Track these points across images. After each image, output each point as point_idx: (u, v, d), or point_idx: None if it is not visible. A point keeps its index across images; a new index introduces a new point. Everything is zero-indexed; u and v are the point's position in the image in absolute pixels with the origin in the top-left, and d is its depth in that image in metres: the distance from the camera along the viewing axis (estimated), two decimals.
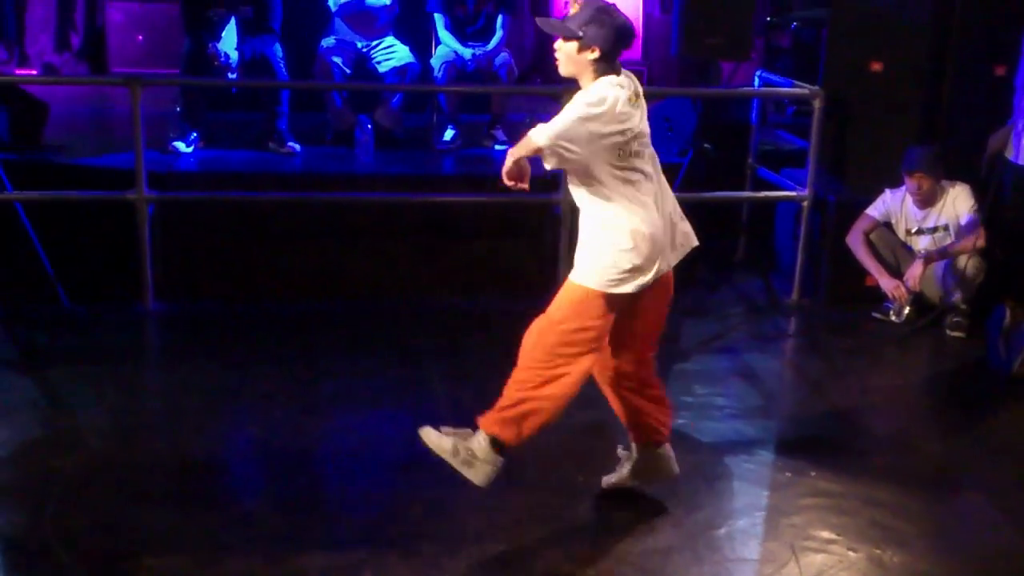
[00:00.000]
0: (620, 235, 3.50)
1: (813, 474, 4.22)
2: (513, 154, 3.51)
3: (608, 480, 3.98)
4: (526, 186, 3.56)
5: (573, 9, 3.56)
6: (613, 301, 3.53)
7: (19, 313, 5.62)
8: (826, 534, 3.79)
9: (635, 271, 3.51)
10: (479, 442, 3.58)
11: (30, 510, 3.76)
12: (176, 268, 6.00)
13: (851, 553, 3.68)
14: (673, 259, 3.72)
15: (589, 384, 5.04)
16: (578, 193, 3.62)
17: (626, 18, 3.50)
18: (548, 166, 3.48)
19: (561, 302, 3.58)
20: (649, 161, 3.62)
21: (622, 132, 3.44)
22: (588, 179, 3.53)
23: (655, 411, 3.83)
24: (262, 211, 6.11)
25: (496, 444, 3.57)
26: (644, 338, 3.75)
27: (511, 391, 3.59)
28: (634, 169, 3.52)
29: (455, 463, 3.59)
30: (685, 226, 3.77)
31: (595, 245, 3.55)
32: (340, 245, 6.15)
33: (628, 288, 3.52)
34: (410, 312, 5.90)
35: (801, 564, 3.59)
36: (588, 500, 3.94)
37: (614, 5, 3.53)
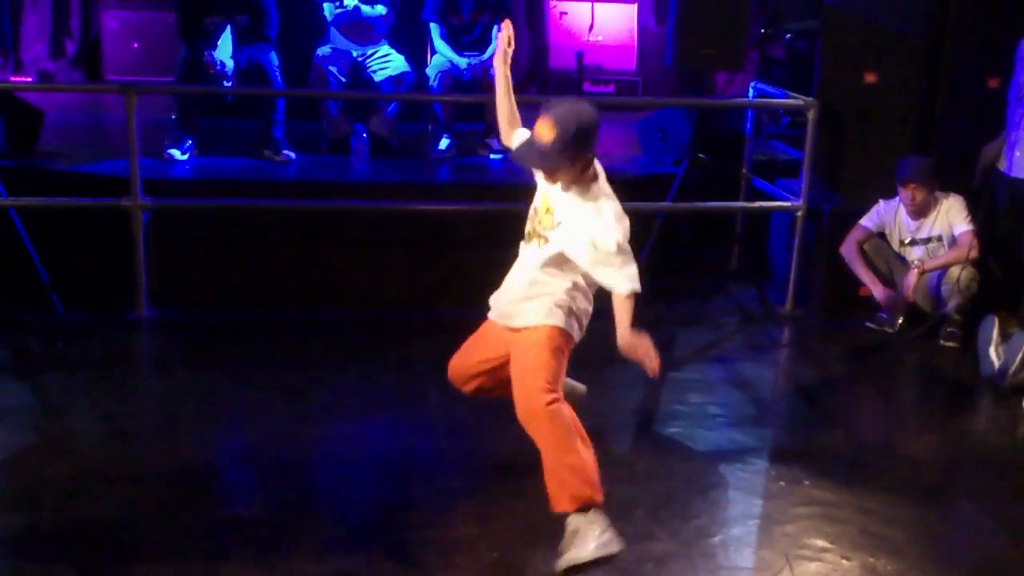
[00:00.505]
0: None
1: (807, 483, 4.23)
2: (633, 342, 3.61)
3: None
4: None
5: (547, 131, 3.48)
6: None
7: (13, 320, 5.60)
8: (820, 542, 3.79)
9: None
10: (579, 524, 3.53)
11: (24, 516, 3.75)
12: (171, 275, 6.00)
13: (844, 561, 3.68)
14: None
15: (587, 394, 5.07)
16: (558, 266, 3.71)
17: (591, 111, 3.55)
18: None
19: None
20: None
21: None
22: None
23: None
24: (257, 219, 6.11)
25: (584, 509, 3.54)
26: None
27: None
28: None
29: (598, 553, 3.51)
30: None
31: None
32: (335, 253, 6.16)
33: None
34: (404, 320, 5.90)
35: (795, 572, 3.60)
36: None
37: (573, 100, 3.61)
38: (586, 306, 3.78)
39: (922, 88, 6.22)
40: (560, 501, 3.57)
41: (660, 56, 7.76)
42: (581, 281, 3.72)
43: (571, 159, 3.51)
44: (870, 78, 6.25)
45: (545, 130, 3.48)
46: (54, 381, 4.98)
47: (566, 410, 3.63)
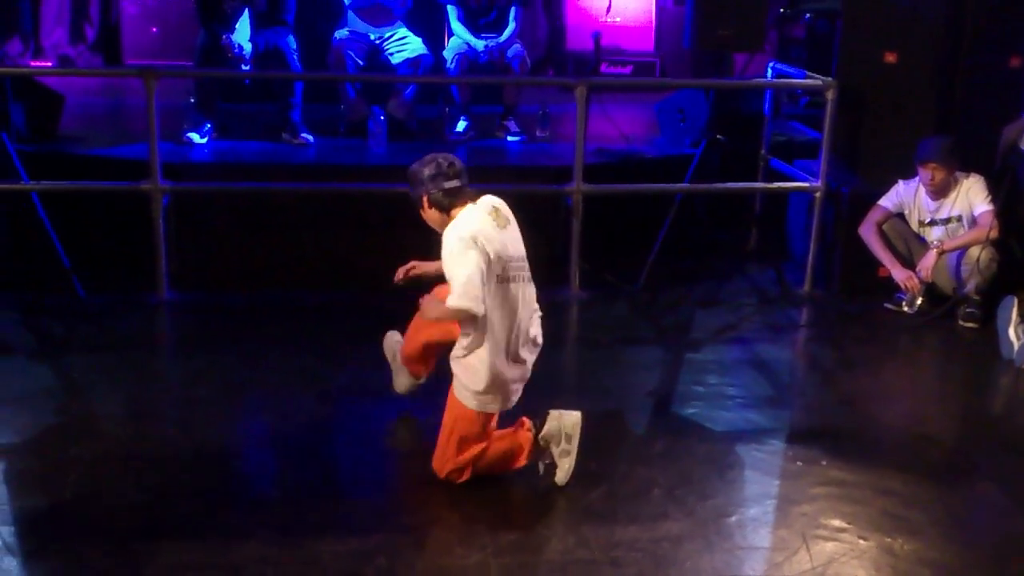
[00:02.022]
0: None
1: (824, 463, 4.23)
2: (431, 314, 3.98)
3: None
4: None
5: None
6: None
7: (36, 303, 5.65)
8: (837, 523, 3.80)
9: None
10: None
11: (47, 497, 3.80)
12: (190, 258, 6.04)
13: (862, 542, 3.69)
14: None
15: (603, 375, 5.09)
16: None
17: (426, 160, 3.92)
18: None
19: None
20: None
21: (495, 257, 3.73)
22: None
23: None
24: (275, 202, 6.13)
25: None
26: None
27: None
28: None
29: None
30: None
31: None
32: (353, 236, 6.18)
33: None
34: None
35: (812, 552, 3.61)
36: (600, 487, 3.95)
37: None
38: (503, 368, 3.82)
39: (942, 68, 6.17)
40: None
41: (678, 37, 7.76)
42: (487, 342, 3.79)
43: (417, 198, 3.92)
44: (890, 58, 6.21)
45: None
46: (76, 364, 5.02)
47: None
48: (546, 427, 3.92)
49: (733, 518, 3.82)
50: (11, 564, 3.40)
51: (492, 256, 3.69)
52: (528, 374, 3.92)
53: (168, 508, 3.77)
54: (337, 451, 4.37)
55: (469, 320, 3.74)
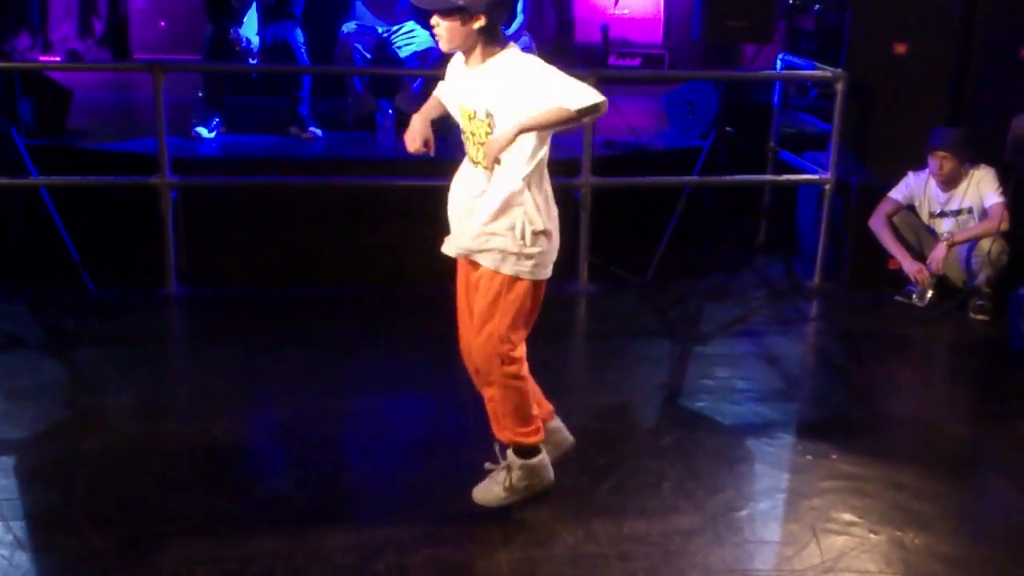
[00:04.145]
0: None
1: (834, 457, 4.22)
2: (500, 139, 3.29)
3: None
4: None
5: None
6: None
7: (45, 298, 5.67)
8: (847, 516, 3.79)
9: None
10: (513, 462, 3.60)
11: (59, 491, 3.81)
12: (199, 252, 6.04)
13: (872, 536, 3.68)
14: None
15: (611, 368, 5.09)
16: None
17: None
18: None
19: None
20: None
21: None
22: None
23: (533, 387, 3.72)
24: (284, 196, 6.13)
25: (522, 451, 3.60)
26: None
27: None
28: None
29: (521, 496, 3.63)
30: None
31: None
32: (362, 229, 6.18)
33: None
34: (432, 295, 5.90)
35: (822, 546, 3.60)
36: (609, 481, 3.95)
37: None
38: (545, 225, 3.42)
39: (953, 59, 6.14)
40: (501, 432, 3.61)
41: (687, 28, 7.71)
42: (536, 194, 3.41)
43: (472, 8, 3.25)
44: (900, 49, 6.19)
45: None
46: (86, 358, 5.04)
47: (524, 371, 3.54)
48: (553, 422, 3.87)
49: (743, 512, 3.82)
50: (22, 559, 3.41)
51: None
52: None
53: (178, 501, 3.77)
54: (347, 445, 4.37)
55: (522, 163, 3.33)
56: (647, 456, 4.17)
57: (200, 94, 6.72)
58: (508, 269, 3.44)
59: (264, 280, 6.04)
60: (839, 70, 6.19)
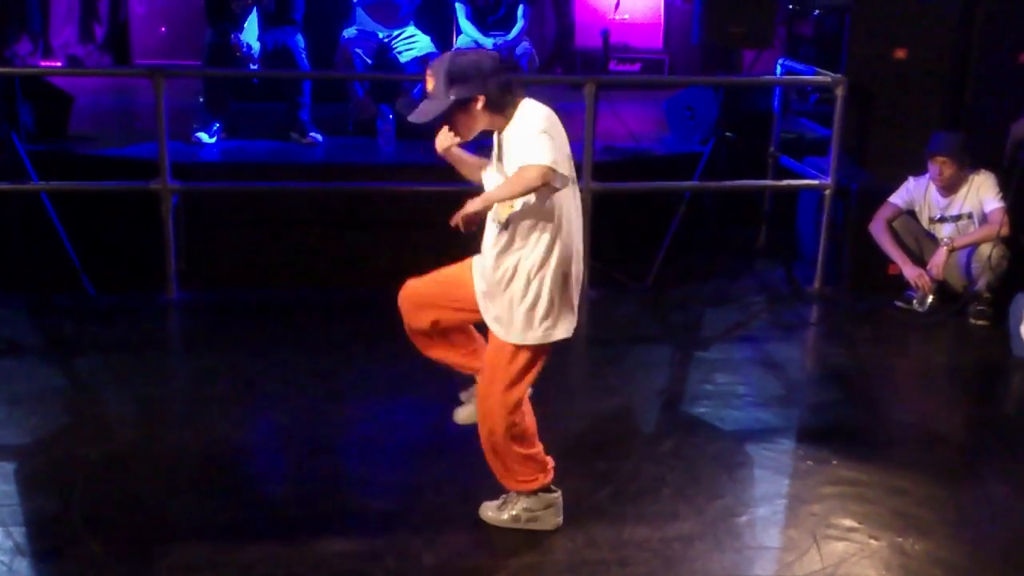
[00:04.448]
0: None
1: (834, 462, 4.22)
2: (490, 199, 3.31)
3: (461, 414, 3.87)
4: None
5: (430, 85, 3.33)
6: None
7: (45, 302, 5.67)
8: (847, 522, 3.78)
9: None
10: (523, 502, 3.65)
11: (57, 496, 3.80)
12: (199, 257, 6.04)
13: (872, 541, 3.68)
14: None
15: (611, 373, 5.09)
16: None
17: (462, 53, 3.38)
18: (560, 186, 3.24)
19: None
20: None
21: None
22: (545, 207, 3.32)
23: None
24: (284, 201, 6.14)
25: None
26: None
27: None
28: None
29: (522, 527, 3.66)
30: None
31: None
32: (362, 234, 6.18)
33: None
34: None
35: (822, 552, 3.60)
36: (609, 487, 3.95)
37: (460, 50, 3.40)
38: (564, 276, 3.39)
39: (952, 64, 6.15)
40: (508, 482, 3.64)
41: (687, 34, 7.73)
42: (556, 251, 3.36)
43: (458, 100, 3.27)
44: (900, 54, 6.20)
45: (428, 85, 3.35)
46: (86, 363, 5.04)
47: (527, 421, 3.55)
48: None
49: (743, 518, 3.81)
50: (22, 565, 3.41)
51: (564, 152, 3.25)
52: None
53: (178, 507, 3.77)
54: (347, 450, 4.37)
55: (536, 220, 3.30)
56: (647, 462, 4.17)
57: (201, 99, 6.73)
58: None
59: (264, 285, 6.04)
60: (839, 75, 6.19)
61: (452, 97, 3.27)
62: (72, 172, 6.04)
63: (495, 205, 3.37)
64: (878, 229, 5.97)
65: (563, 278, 3.39)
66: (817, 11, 8.65)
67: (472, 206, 3.31)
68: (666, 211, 6.37)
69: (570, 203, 3.37)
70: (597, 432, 4.23)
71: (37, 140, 6.38)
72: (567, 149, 3.31)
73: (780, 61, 7.07)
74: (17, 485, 3.91)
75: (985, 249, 5.68)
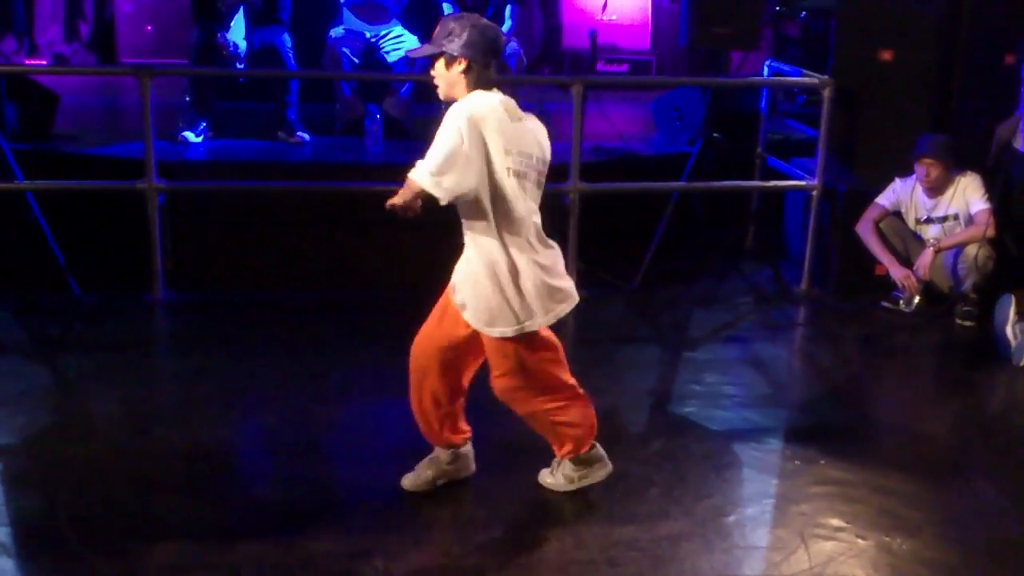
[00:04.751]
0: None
1: (822, 462, 4.22)
2: (397, 201, 3.43)
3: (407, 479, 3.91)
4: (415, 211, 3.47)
5: (437, 31, 3.50)
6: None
7: (30, 302, 5.64)
8: (835, 522, 3.79)
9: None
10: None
11: (43, 497, 3.78)
12: (186, 257, 6.02)
13: (860, 541, 3.68)
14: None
15: (599, 374, 5.09)
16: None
17: (491, 27, 3.47)
18: (443, 203, 3.39)
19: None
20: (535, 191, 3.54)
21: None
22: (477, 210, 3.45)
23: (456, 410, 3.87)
24: (271, 201, 6.12)
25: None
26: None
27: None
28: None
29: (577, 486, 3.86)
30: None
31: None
32: (349, 235, 6.17)
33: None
34: (419, 302, 5.89)
35: (810, 552, 3.60)
36: (598, 487, 3.93)
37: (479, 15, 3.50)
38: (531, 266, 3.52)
39: (938, 65, 6.17)
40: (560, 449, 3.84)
41: (674, 35, 7.74)
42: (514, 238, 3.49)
43: (453, 52, 3.39)
44: (885, 56, 6.22)
45: (436, 29, 3.51)
46: (71, 363, 5.01)
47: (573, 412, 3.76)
48: (466, 448, 3.95)
49: (731, 517, 3.82)
50: (7, 565, 3.39)
51: (497, 146, 3.33)
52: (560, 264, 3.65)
53: (164, 508, 3.75)
54: (334, 450, 4.36)
55: (472, 220, 3.48)
56: (635, 462, 4.17)
57: (187, 98, 6.70)
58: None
59: (251, 285, 6.02)
60: (825, 77, 6.20)
61: (442, 48, 3.41)
62: (57, 171, 6.01)
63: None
64: (865, 230, 5.99)
65: (515, 271, 3.50)
66: (803, 13, 8.68)
67: (395, 199, 3.45)
68: (654, 212, 6.38)
69: (515, 193, 3.43)
70: None
71: (22, 139, 6.34)
72: (499, 144, 3.33)
73: (767, 62, 7.08)
74: (2, 485, 3.89)
75: (971, 250, 5.71)
